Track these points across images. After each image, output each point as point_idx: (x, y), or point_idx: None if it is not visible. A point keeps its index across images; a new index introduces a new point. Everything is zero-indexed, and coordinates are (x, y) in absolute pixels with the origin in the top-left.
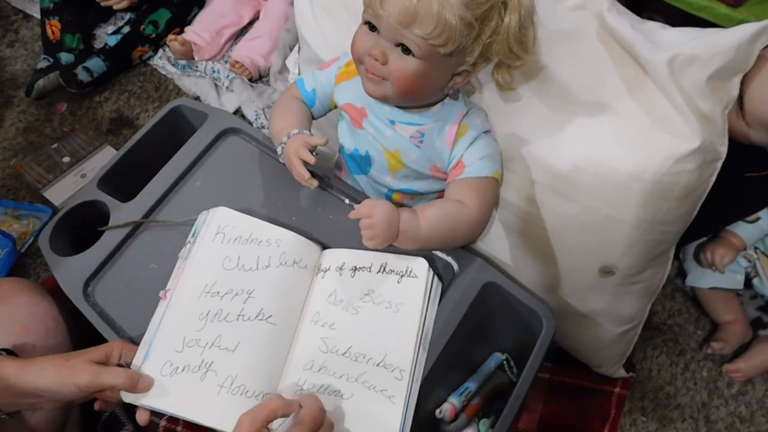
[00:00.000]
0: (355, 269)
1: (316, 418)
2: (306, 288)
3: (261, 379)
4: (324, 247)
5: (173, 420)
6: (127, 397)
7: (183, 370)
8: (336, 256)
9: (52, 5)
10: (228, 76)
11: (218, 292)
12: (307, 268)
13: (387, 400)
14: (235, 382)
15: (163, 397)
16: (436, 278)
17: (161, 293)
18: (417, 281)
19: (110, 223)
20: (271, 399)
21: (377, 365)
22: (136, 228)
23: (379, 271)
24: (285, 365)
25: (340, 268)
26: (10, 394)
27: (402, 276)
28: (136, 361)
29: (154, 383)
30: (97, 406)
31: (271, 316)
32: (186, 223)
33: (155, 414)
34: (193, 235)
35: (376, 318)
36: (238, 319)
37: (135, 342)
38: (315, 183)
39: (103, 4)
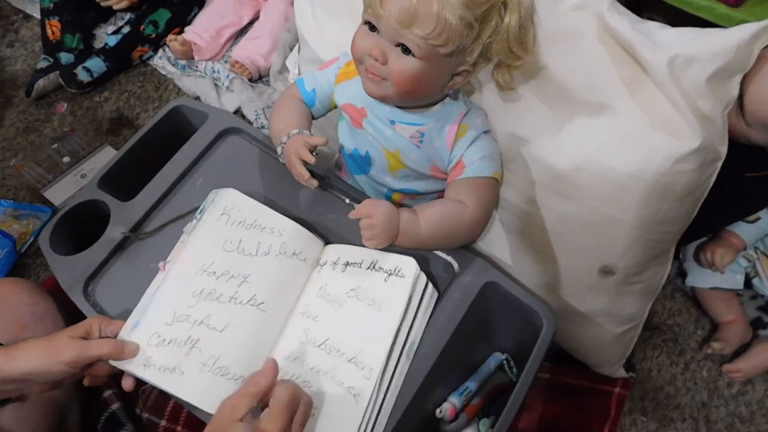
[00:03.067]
0: (347, 264)
1: (290, 401)
2: (303, 280)
3: (243, 363)
4: (327, 242)
5: (173, 420)
6: (114, 362)
7: (169, 342)
8: (334, 251)
9: (52, 5)
10: (228, 76)
11: (215, 272)
12: (306, 260)
13: (351, 398)
14: (218, 362)
15: (147, 367)
16: (430, 287)
17: (161, 264)
18: (403, 281)
19: (111, 222)
20: (251, 385)
21: (349, 361)
22: (135, 228)
23: (368, 267)
24: (270, 354)
25: (335, 263)
26: None
27: (390, 275)
28: (126, 329)
29: (139, 350)
30: (86, 382)
31: (263, 303)
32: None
33: (155, 414)
34: (201, 212)
35: (357, 314)
36: (230, 302)
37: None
38: (315, 183)
39: (103, 4)
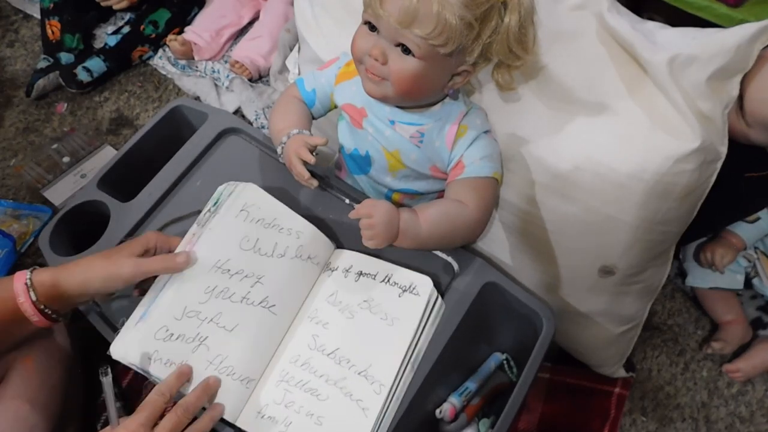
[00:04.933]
0: (360, 274)
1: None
2: (312, 284)
3: (249, 364)
4: (337, 245)
5: None
6: (116, 353)
7: (177, 338)
8: (346, 257)
9: (52, 5)
10: (228, 76)
11: (229, 270)
12: (318, 265)
13: (360, 411)
14: (225, 362)
15: (153, 360)
16: (439, 300)
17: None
18: (418, 299)
19: (111, 223)
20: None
21: (359, 374)
22: (135, 228)
23: (383, 281)
24: (275, 356)
25: (347, 270)
26: (63, 298)
27: (404, 291)
28: (132, 320)
29: (199, 276)
30: (136, 293)
31: (274, 305)
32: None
33: None
34: (216, 204)
35: (369, 327)
36: (242, 302)
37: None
38: (315, 183)
39: (103, 4)
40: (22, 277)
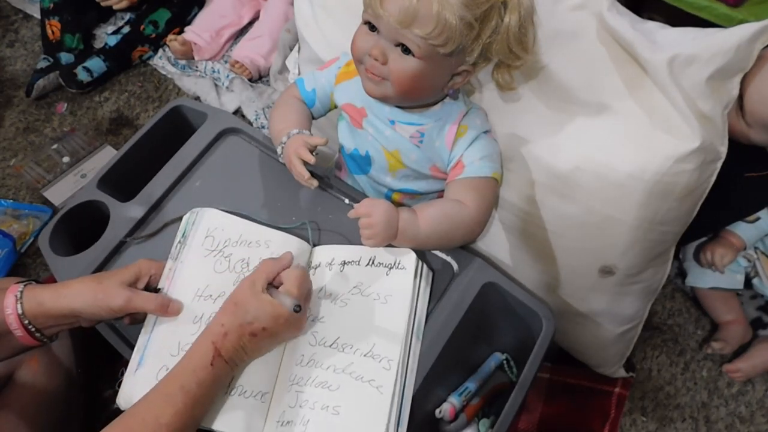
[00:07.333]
0: (344, 263)
1: (302, 276)
2: None
3: (258, 379)
4: (314, 245)
5: None
6: (124, 404)
7: None
8: (326, 252)
9: (52, 5)
10: (228, 76)
11: (211, 296)
12: (298, 267)
13: (374, 390)
14: (232, 383)
15: None
16: (425, 266)
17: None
18: (405, 272)
19: (110, 223)
20: (266, 266)
21: (364, 355)
22: (135, 228)
23: (367, 264)
24: (281, 364)
25: (330, 264)
26: (48, 317)
27: (390, 268)
28: (130, 369)
29: (183, 308)
30: (126, 321)
31: None
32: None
33: None
34: (183, 235)
35: (364, 309)
36: None
37: (131, 346)
38: (315, 183)
39: (103, 4)
40: (14, 290)
